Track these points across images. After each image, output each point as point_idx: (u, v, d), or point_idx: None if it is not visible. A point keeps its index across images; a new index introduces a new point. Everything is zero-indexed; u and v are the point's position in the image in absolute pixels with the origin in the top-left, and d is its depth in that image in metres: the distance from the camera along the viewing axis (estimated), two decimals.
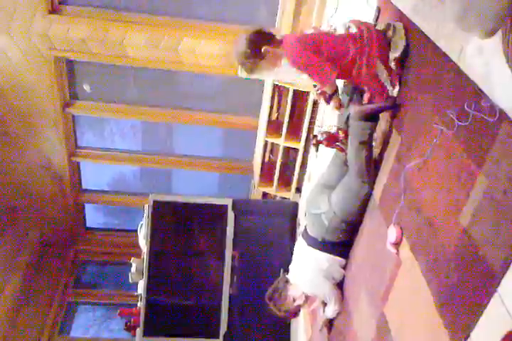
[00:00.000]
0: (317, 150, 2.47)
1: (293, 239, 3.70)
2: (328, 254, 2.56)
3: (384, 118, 2.18)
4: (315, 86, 2.21)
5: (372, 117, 2.11)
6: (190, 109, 4.51)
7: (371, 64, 1.96)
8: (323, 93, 2.16)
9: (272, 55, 2.03)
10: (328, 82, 2.08)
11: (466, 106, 1.45)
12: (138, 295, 3.99)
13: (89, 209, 5.58)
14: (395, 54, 1.95)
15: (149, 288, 3.86)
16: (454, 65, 1.57)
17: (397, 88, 2.01)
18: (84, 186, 5.21)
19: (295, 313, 2.79)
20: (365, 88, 2.10)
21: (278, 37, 2.08)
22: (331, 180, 2.50)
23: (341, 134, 2.29)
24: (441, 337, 1.46)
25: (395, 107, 2.04)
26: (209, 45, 3.84)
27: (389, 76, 1.98)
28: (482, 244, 1.34)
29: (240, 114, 4.52)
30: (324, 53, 1.97)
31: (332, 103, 2.20)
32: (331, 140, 2.33)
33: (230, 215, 3.91)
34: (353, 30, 2.00)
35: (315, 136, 2.38)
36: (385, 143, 2.17)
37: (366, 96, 2.24)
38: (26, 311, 4.60)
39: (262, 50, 2.01)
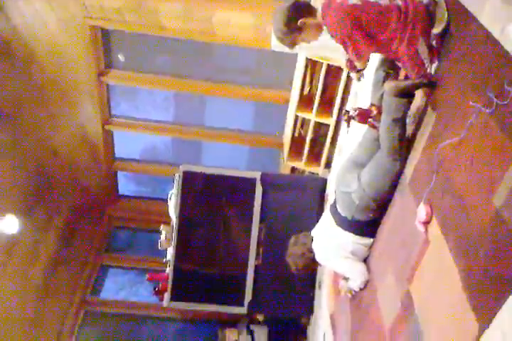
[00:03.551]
0: (348, 126, 2.45)
1: (320, 214, 3.72)
2: (356, 236, 2.56)
3: (419, 95, 2.14)
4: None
5: (407, 94, 2.07)
6: (223, 82, 4.51)
7: (413, 41, 1.89)
8: (352, 65, 2.16)
9: (310, 27, 1.99)
10: (362, 60, 2.05)
11: (506, 85, 1.41)
12: (167, 262, 4.12)
13: (121, 178, 5.71)
14: (436, 30, 1.89)
15: (177, 256, 3.98)
16: (495, 41, 1.52)
17: (435, 65, 1.96)
18: (117, 154, 5.32)
19: (311, 269, 2.89)
20: (402, 64, 2.05)
21: (317, 6, 2.02)
22: (361, 156, 2.48)
23: (374, 110, 2.27)
24: (467, 317, 1.47)
25: (431, 84, 2.00)
26: (243, 17, 3.79)
27: (429, 53, 1.92)
28: None
29: (272, 87, 4.49)
30: (364, 26, 1.89)
31: (355, 74, 2.25)
32: (364, 116, 2.31)
33: (258, 188, 3.95)
34: (398, 2, 1.90)
35: (347, 112, 2.36)
36: (420, 120, 2.14)
37: (402, 73, 2.21)
38: (60, 273, 4.80)
39: (299, 23, 1.97)
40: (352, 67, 2.19)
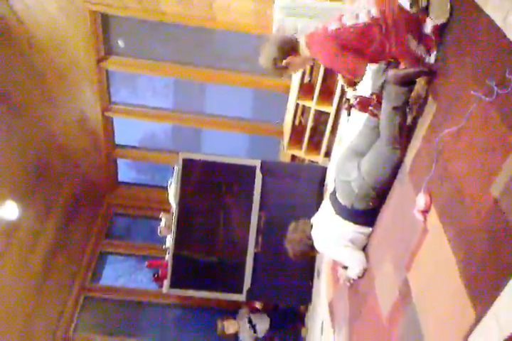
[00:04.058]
0: (349, 114, 2.45)
1: (319, 203, 3.73)
2: (356, 224, 2.57)
3: (420, 83, 2.12)
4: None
5: (407, 82, 2.06)
6: (224, 69, 4.48)
7: (401, 42, 1.93)
8: (351, 81, 2.26)
9: (296, 63, 2.10)
10: (359, 75, 2.09)
11: (507, 73, 1.40)
12: (166, 249, 4.14)
13: (121, 165, 5.71)
14: (438, 21, 1.88)
15: (177, 243, 4.00)
16: (498, 30, 1.50)
17: (433, 55, 1.96)
18: (117, 141, 5.31)
19: (308, 256, 2.90)
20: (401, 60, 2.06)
21: (302, 38, 2.08)
22: (361, 145, 2.48)
23: (375, 99, 2.26)
24: (464, 305, 1.48)
25: (431, 73, 1.99)
26: (243, 3, 3.75)
27: (422, 45, 1.94)
28: None
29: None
30: (350, 48, 1.96)
31: (351, 88, 2.34)
32: (364, 104, 2.30)
33: (258, 176, 3.95)
34: (374, 12, 1.93)
35: (347, 100, 2.35)
36: (420, 109, 2.13)
37: (403, 64, 2.20)
38: (60, 259, 4.82)
39: (284, 63, 2.08)
40: (351, 83, 2.28)
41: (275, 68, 2.11)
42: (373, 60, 2.06)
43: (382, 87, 2.17)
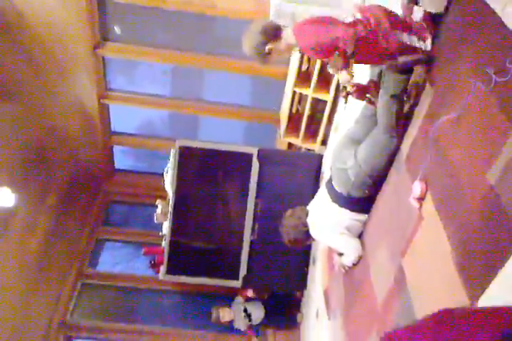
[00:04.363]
0: (346, 101, 2.44)
1: (316, 190, 3.74)
2: (352, 212, 2.59)
3: (418, 71, 2.12)
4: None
5: (405, 70, 2.06)
6: (222, 55, 4.44)
7: (390, 38, 1.93)
8: (342, 58, 2.08)
9: (279, 50, 2.07)
10: (350, 44, 1.96)
11: (507, 62, 1.40)
12: (162, 236, 4.15)
13: (117, 152, 5.69)
14: (429, 9, 1.89)
15: (173, 230, 4.01)
16: (497, 18, 1.50)
17: (428, 42, 1.95)
18: (113, 129, 5.29)
19: (302, 243, 2.90)
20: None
21: (288, 25, 2.07)
22: (358, 133, 2.48)
23: (372, 86, 2.25)
24: (457, 291, 1.49)
25: (429, 60, 1.98)
26: None
27: (414, 35, 1.94)
28: (508, 202, 1.33)
29: None
30: (335, 22, 1.96)
31: (344, 72, 2.15)
32: (361, 92, 2.30)
33: (255, 164, 3.95)
34: (358, 16, 1.95)
35: (345, 88, 2.34)
36: (418, 96, 2.13)
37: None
38: (57, 246, 4.83)
39: (266, 50, 2.04)
40: (342, 63, 2.10)
41: (258, 54, 2.07)
42: (367, 59, 2.06)
43: (379, 75, 2.16)
